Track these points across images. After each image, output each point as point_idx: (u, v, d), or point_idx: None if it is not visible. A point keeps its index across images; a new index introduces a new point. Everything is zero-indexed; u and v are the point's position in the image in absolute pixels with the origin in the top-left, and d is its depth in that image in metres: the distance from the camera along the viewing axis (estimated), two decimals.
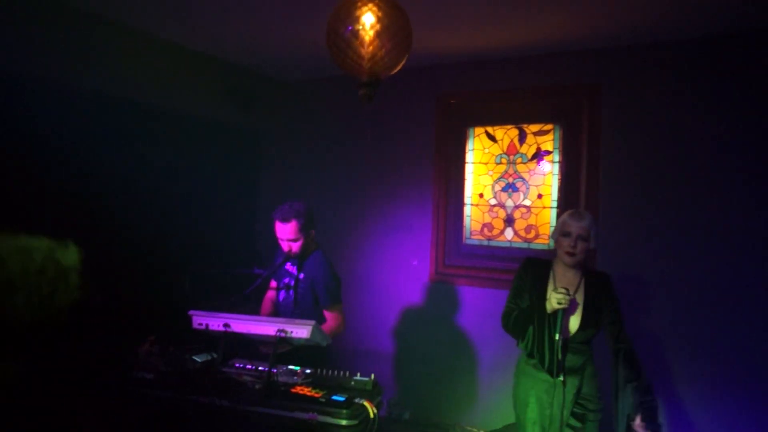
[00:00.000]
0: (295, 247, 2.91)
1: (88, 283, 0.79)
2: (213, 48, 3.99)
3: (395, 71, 2.20)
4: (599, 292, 2.51)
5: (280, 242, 2.94)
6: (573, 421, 2.47)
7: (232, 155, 4.53)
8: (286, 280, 3.04)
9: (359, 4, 2.03)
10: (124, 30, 3.47)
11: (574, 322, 2.48)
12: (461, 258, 4.16)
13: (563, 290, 2.37)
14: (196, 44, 3.91)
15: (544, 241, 3.92)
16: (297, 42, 3.78)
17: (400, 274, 4.33)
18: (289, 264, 3.05)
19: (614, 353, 2.43)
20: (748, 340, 3.19)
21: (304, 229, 2.91)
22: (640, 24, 3.20)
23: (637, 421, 2.28)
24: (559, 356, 2.42)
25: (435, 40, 3.60)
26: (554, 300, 2.38)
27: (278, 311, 3.11)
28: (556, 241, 2.56)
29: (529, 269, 2.61)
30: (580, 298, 2.50)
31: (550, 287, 2.53)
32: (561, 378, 2.44)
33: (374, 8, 2.02)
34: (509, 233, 4.05)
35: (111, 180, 3.32)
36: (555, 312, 2.42)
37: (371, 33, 2.03)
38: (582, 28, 3.32)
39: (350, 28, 2.04)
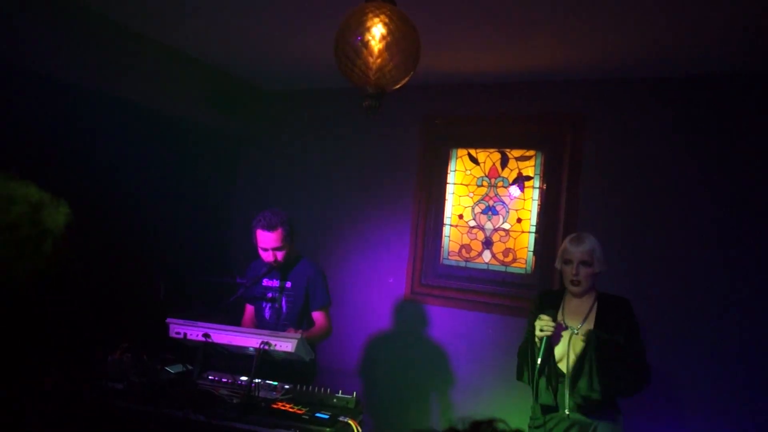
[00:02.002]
0: (280, 256, 2.82)
1: (64, 255, 0.68)
2: (198, 50, 3.91)
3: (400, 85, 2.20)
4: (614, 320, 2.36)
5: (263, 252, 2.83)
6: None
7: (209, 159, 4.42)
8: (270, 295, 2.93)
9: (371, 14, 2.02)
10: (103, 22, 3.35)
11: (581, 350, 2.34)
12: (437, 278, 4.15)
13: (545, 317, 2.29)
14: (182, 44, 3.82)
15: (521, 265, 3.95)
16: (284, 52, 3.74)
17: (375, 290, 4.28)
18: (266, 279, 2.96)
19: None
20: (730, 368, 3.27)
21: (288, 237, 2.83)
22: (626, 58, 3.30)
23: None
24: (544, 386, 2.35)
25: (423, 61, 3.60)
26: (537, 327, 2.31)
27: (266, 328, 2.98)
28: (561, 270, 2.48)
29: (539, 303, 2.52)
30: (589, 326, 2.37)
31: (560, 316, 2.45)
32: (567, 411, 2.34)
33: (386, 20, 2.01)
34: (487, 255, 4.07)
35: (81, 176, 3.17)
36: (541, 342, 2.32)
37: (381, 45, 2.02)
38: (569, 59, 3.41)
39: (360, 38, 2.03)
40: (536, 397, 2.39)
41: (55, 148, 2.99)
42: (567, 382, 2.35)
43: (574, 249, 2.41)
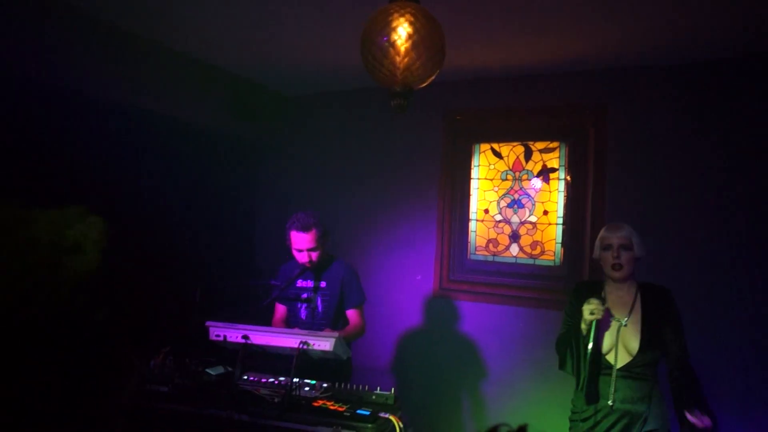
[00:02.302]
0: (315, 256, 2.86)
1: (102, 261, 0.69)
2: (217, 58, 3.97)
3: (427, 83, 2.22)
4: (659, 309, 2.34)
5: (297, 253, 2.87)
6: None
7: (233, 166, 4.49)
8: (305, 295, 2.98)
9: (396, 14, 2.04)
10: (124, 34, 3.42)
11: (634, 343, 2.32)
12: (465, 273, 4.16)
13: (595, 300, 2.24)
14: (201, 53, 3.88)
15: (549, 257, 3.95)
16: (304, 56, 3.78)
17: (403, 288, 4.31)
18: (300, 280, 3.00)
19: (675, 377, 2.31)
20: (753, 355, 3.23)
21: (322, 238, 2.87)
22: (648, 46, 3.28)
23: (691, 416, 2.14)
24: (585, 373, 2.31)
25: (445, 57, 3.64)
26: (586, 311, 2.25)
27: (302, 327, 3.02)
28: (600, 259, 2.44)
29: (578, 294, 2.47)
30: (637, 316, 2.35)
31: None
32: (610, 402, 2.29)
33: (411, 18, 2.03)
34: (514, 249, 4.07)
35: (113, 188, 3.25)
36: (589, 327, 2.28)
37: (408, 44, 2.04)
38: (590, 49, 3.39)
39: (386, 38, 2.05)
40: (583, 386, 2.34)
41: (82, 162, 3.06)
42: (614, 374, 2.33)
43: (613, 234, 2.39)
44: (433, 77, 2.18)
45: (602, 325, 2.37)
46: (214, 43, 3.61)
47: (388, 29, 2.03)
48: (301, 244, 2.82)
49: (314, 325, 2.89)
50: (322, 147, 4.71)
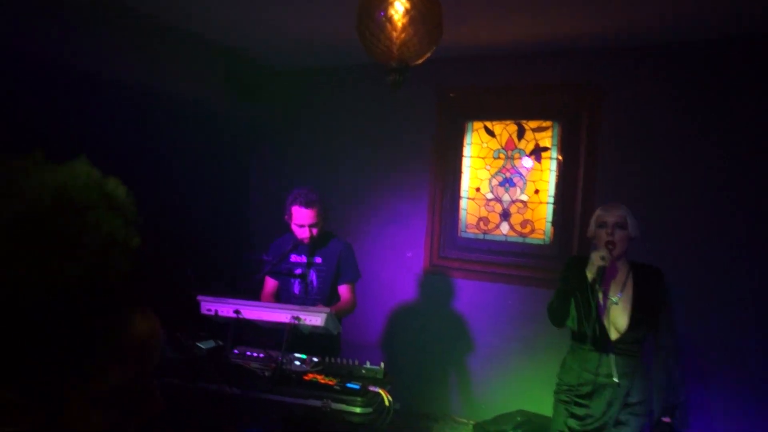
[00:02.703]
0: (315, 231, 2.86)
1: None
2: (210, 32, 3.89)
3: (423, 59, 2.20)
4: (650, 287, 2.39)
5: (298, 229, 2.85)
6: (616, 427, 2.39)
7: (227, 141, 4.44)
8: (298, 271, 2.98)
9: None
10: (121, 8, 3.34)
11: (623, 321, 2.36)
12: (456, 250, 4.18)
13: (604, 249, 2.31)
14: (193, 27, 3.80)
15: (539, 236, 3.98)
16: (298, 30, 3.71)
17: (394, 265, 4.33)
18: (294, 255, 3.00)
19: (662, 356, 2.36)
20: (744, 340, 3.29)
21: (323, 214, 2.88)
22: (644, 25, 3.25)
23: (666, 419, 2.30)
24: (595, 320, 2.34)
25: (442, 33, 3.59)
26: (596, 257, 2.30)
27: (295, 302, 3.02)
28: (594, 236, 2.46)
29: (572, 267, 2.50)
30: (628, 295, 2.39)
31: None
32: (615, 379, 2.34)
33: None
34: (505, 227, 4.09)
35: (105, 162, 3.20)
36: (594, 280, 2.32)
37: (405, 19, 2.01)
38: (586, 28, 3.36)
39: (383, 12, 2.02)
40: (589, 329, 2.34)
41: (74, 136, 3.00)
42: (611, 351, 2.37)
43: (609, 213, 2.41)
44: (429, 53, 2.16)
45: (609, 275, 2.41)
46: (206, 15, 3.53)
47: (385, 4, 2.00)
48: (303, 219, 2.81)
49: (308, 300, 2.91)
50: (315, 123, 4.67)
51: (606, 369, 2.38)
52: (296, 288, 2.96)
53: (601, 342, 2.38)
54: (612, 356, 2.37)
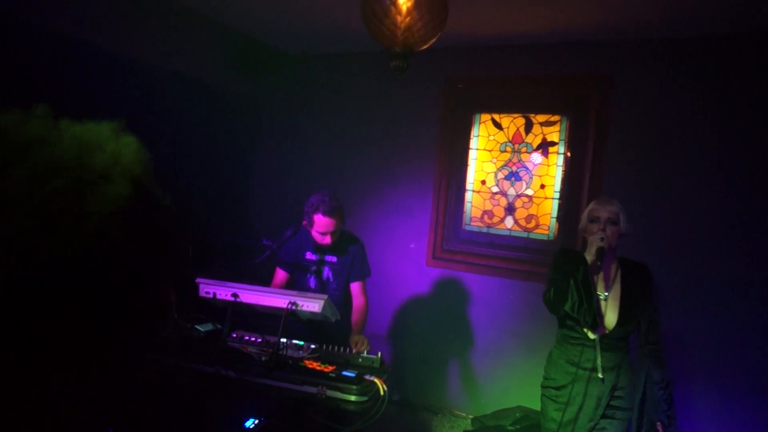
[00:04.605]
0: (335, 237, 2.83)
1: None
2: (219, 13, 3.88)
3: (427, 45, 2.17)
4: (637, 285, 2.37)
5: (319, 236, 2.81)
6: (602, 422, 2.36)
7: (231, 122, 4.43)
8: (314, 268, 2.96)
9: None
10: None
11: (612, 317, 2.35)
12: (460, 244, 4.16)
13: (602, 232, 2.30)
14: (205, 8, 3.79)
15: (544, 231, 3.94)
16: (307, 14, 3.69)
17: (397, 256, 4.31)
18: (309, 252, 2.98)
19: (645, 353, 2.35)
20: (752, 337, 3.25)
21: (343, 218, 2.84)
22: (654, 18, 3.20)
23: (660, 428, 2.27)
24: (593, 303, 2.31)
25: (447, 23, 3.56)
26: (596, 238, 2.30)
27: None
28: (586, 230, 2.44)
29: (563, 259, 2.47)
30: (616, 291, 2.37)
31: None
32: (600, 374, 2.32)
33: None
34: (509, 222, 4.06)
35: None
36: (593, 262, 2.32)
37: (410, 3, 1.99)
38: (596, 19, 3.32)
39: None
40: (586, 315, 2.30)
41: (79, 111, 3.00)
42: (598, 346, 2.35)
43: (602, 208, 2.38)
44: (434, 40, 2.14)
45: (608, 259, 2.41)
46: None
47: None
48: (325, 227, 2.77)
49: (331, 295, 2.89)
50: (320, 109, 4.65)
51: (589, 363, 2.36)
52: (311, 283, 2.95)
53: (595, 328, 2.36)
54: (598, 351, 2.34)
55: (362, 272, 3.02)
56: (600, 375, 2.32)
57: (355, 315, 2.94)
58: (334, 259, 2.94)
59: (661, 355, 2.34)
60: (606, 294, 2.38)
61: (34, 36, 2.86)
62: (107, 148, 0.61)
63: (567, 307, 2.34)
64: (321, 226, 2.76)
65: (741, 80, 3.30)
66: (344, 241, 2.97)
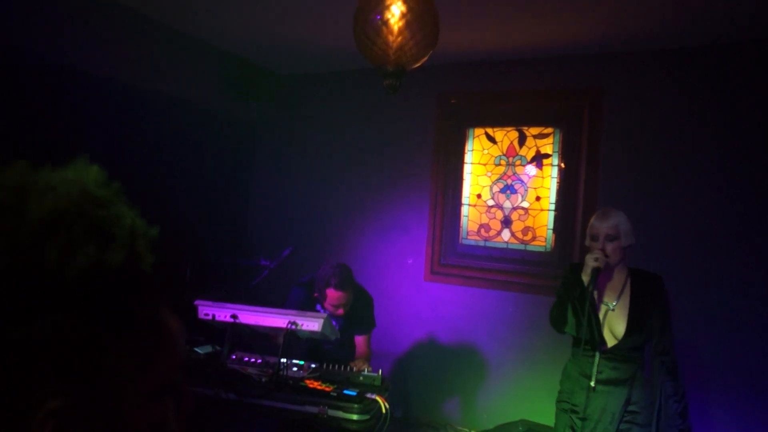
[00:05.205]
0: (346, 309, 2.80)
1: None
2: (212, 36, 3.92)
3: (420, 64, 2.19)
4: (648, 295, 2.36)
5: (330, 307, 2.78)
6: None
7: (226, 144, 4.45)
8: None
9: None
10: (119, 8, 3.36)
11: (620, 328, 2.34)
12: (457, 258, 4.16)
13: (598, 251, 2.29)
14: (195, 31, 3.83)
15: (540, 243, 3.95)
16: (299, 35, 3.73)
17: (395, 272, 4.31)
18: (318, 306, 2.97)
19: (657, 364, 2.33)
20: (749, 341, 3.25)
21: (353, 291, 2.81)
22: (644, 30, 3.25)
23: None
24: (586, 324, 2.29)
25: (439, 38, 3.60)
26: (590, 259, 2.29)
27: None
28: (589, 247, 2.45)
29: (570, 273, 2.48)
30: (625, 301, 2.36)
31: (594, 294, 2.40)
32: (592, 383, 2.32)
33: None
34: (506, 234, 4.07)
35: (104, 163, 3.21)
36: (589, 283, 2.31)
37: (401, 23, 2.01)
38: (586, 33, 3.36)
39: (379, 16, 2.02)
40: (585, 333, 2.31)
41: (73, 137, 3.02)
42: (597, 356, 2.35)
43: (600, 224, 2.38)
44: (426, 58, 2.16)
45: (604, 278, 2.40)
46: (207, 20, 3.56)
47: (381, 7, 2.00)
48: (336, 301, 2.74)
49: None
50: (315, 128, 4.68)
51: (602, 375, 2.35)
52: None
53: (595, 347, 2.36)
54: (596, 363, 2.34)
55: (367, 325, 3.02)
56: (592, 383, 2.32)
57: (357, 358, 2.95)
58: (341, 311, 2.92)
59: (674, 367, 2.31)
60: (614, 304, 2.38)
61: (26, 64, 2.88)
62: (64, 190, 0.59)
63: (568, 329, 2.37)
64: (333, 299, 2.73)
65: (728, 89, 3.34)
66: (356, 304, 2.94)
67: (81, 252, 0.52)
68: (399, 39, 2.03)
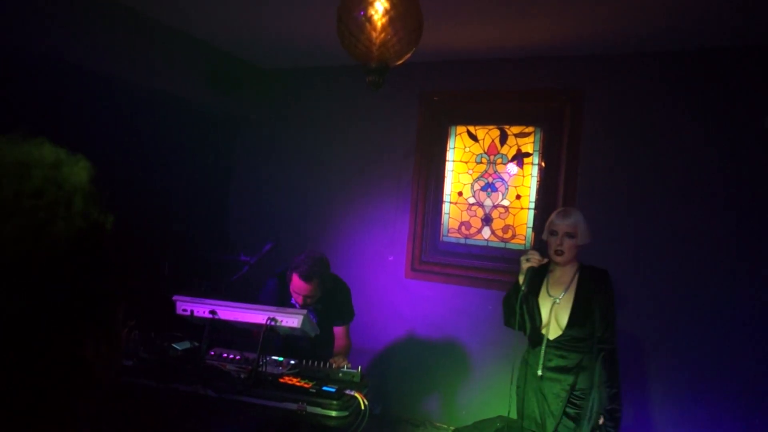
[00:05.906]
0: (309, 301, 2.74)
1: (96, 207, 0.63)
2: (193, 28, 3.86)
3: (403, 61, 2.19)
4: (592, 288, 2.49)
5: (294, 294, 2.74)
6: (566, 421, 2.47)
7: (208, 138, 4.40)
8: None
9: None
10: (103, 1, 3.30)
11: (564, 319, 2.48)
12: (438, 255, 4.18)
13: (533, 252, 2.46)
14: (179, 23, 3.77)
15: (520, 241, 3.99)
16: (282, 30, 3.70)
17: (375, 269, 4.31)
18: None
19: (596, 352, 2.45)
20: (719, 338, 3.33)
21: (321, 285, 2.73)
22: (626, 33, 3.29)
23: (601, 420, 2.38)
24: (535, 322, 2.54)
25: (422, 37, 3.60)
26: (522, 259, 2.48)
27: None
28: (546, 241, 2.57)
29: (526, 270, 2.56)
30: (570, 295, 2.50)
31: (544, 287, 2.57)
32: (539, 372, 2.52)
33: None
34: (486, 232, 4.10)
35: (84, 155, 3.15)
36: (525, 276, 2.48)
37: (384, 19, 2.01)
38: (569, 34, 3.40)
39: (363, 12, 2.02)
40: (524, 328, 2.56)
41: (53, 128, 2.96)
42: (544, 345, 2.53)
43: (560, 221, 2.51)
44: (409, 54, 2.16)
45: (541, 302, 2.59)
46: (191, 12, 3.50)
47: (365, 3, 2.00)
48: (300, 290, 2.69)
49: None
50: (297, 123, 4.65)
51: (549, 362, 2.52)
52: None
53: (536, 339, 2.56)
54: (543, 351, 2.52)
55: (346, 316, 3.01)
56: (540, 372, 2.52)
57: (337, 350, 2.94)
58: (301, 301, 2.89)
59: (611, 356, 2.44)
60: (560, 297, 2.54)
61: (8, 56, 2.82)
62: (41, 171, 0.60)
63: (511, 323, 2.57)
64: (296, 287, 2.69)
65: (708, 92, 3.41)
66: (329, 285, 2.89)
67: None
68: (382, 35, 2.03)
